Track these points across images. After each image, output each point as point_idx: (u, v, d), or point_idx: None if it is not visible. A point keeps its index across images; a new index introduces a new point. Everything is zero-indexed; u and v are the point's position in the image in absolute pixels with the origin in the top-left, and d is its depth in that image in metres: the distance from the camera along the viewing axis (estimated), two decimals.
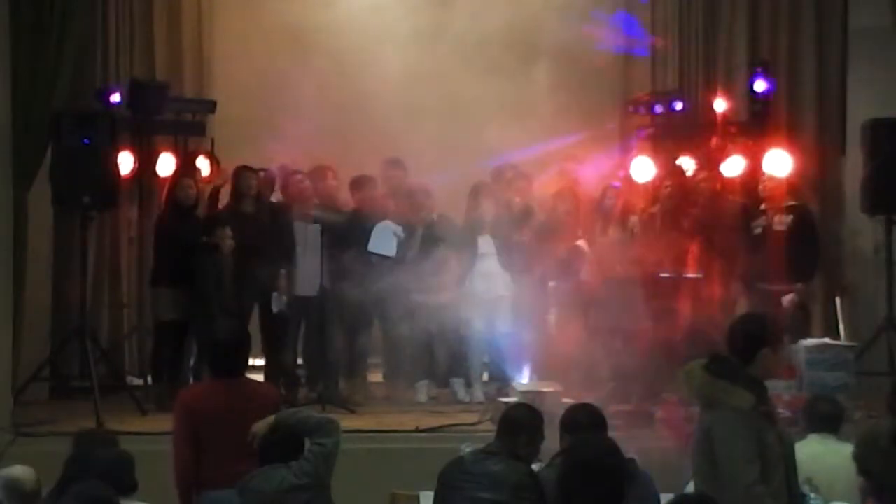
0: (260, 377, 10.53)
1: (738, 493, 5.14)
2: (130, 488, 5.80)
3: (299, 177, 10.43)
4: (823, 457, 6.50)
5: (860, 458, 5.77)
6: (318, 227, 10.04)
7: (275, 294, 10.06)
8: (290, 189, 10.49)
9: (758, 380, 5.35)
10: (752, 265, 10.24)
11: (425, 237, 10.22)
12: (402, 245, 10.19)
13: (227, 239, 9.99)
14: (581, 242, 10.34)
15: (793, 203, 10.46)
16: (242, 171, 10.43)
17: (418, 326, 10.17)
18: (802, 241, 10.29)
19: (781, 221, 10.32)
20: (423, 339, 10.34)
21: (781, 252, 10.16)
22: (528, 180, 10.79)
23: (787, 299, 10.16)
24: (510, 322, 10.12)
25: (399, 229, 10.23)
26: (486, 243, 10.31)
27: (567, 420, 6.10)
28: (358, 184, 10.58)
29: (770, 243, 10.25)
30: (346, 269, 10.05)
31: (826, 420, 6.94)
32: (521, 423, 6.09)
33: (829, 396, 7.79)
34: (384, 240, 10.17)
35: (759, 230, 10.37)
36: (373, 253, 10.11)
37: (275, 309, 10.09)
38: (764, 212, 10.40)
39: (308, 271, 9.98)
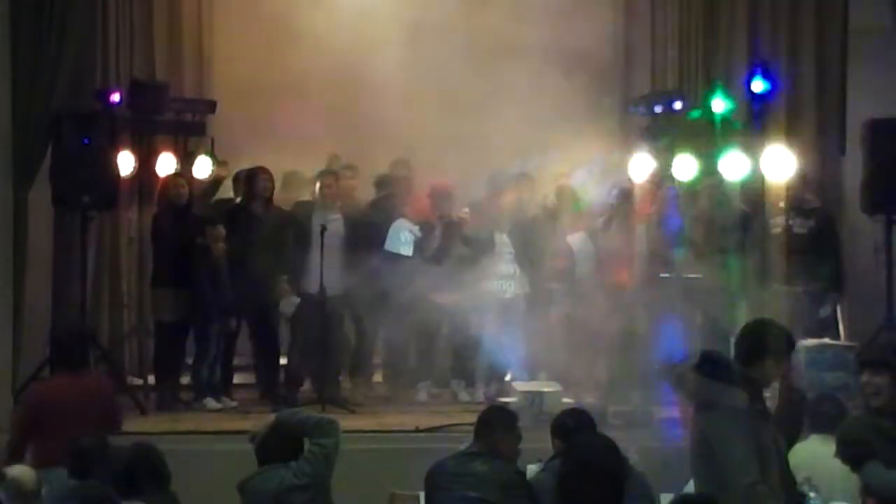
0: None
1: (739, 493, 5.14)
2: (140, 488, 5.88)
3: (328, 179, 10.41)
4: (825, 457, 6.49)
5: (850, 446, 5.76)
6: (340, 227, 10.07)
7: (283, 299, 10.08)
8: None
9: (753, 379, 5.35)
10: (768, 265, 10.27)
11: (443, 237, 10.21)
12: (418, 244, 10.19)
13: (219, 240, 9.98)
14: (576, 237, 10.33)
15: (815, 206, 10.49)
16: (258, 173, 10.40)
17: (422, 326, 10.17)
18: (826, 246, 10.33)
19: (803, 224, 10.33)
20: (426, 339, 10.35)
21: (800, 255, 10.18)
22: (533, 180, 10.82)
23: (824, 310, 10.20)
24: (521, 322, 10.12)
25: (416, 228, 10.24)
26: (502, 243, 10.30)
27: (556, 425, 6.15)
28: (380, 184, 10.57)
29: (789, 245, 10.27)
30: (360, 269, 10.06)
31: (829, 420, 6.92)
32: (493, 420, 6.27)
33: (833, 396, 7.78)
34: (400, 239, 10.18)
35: (777, 230, 10.40)
36: (389, 252, 10.12)
37: (287, 311, 10.10)
38: (783, 211, 10.43)
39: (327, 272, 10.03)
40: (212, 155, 11.30)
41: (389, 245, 10.19)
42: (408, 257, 10.14)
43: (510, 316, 10.16)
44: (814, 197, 10.60)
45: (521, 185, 10.69)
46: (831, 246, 10.44)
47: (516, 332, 9.99)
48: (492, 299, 10.15)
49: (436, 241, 10.21)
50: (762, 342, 5.42)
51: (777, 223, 10.48)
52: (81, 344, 8.17)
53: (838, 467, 6.14)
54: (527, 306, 10.25)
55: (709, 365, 5.35)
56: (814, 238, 10.30)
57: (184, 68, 11.91)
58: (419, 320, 10.05)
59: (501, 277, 10.24)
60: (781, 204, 10.51)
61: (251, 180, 10.41)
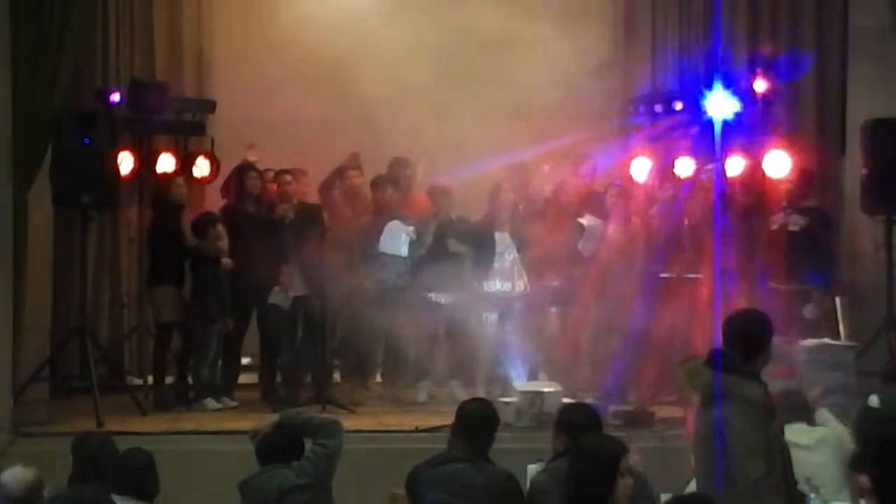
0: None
1: (746, 486, 5.13)
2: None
3: (288, 177, 10.41)
4: (801, 447, 6.50)
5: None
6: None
7: (276, 289, 10.05)
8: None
9: (759, 375, 5.35)
10: (761, 262, 10.27)
11: (440, 237, 10.19)
12: (413, 245, 10.18)
13: (220, 238, 9.99)
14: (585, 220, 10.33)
15: (810, 205, 10.49)
16: (247, 171, 10.40)
17: (422, 326, 10.16)
18: (816, 245, 10.33)
19: (796, 222, 10.33)
20: (425, 339, 10.34)
21: (792, 252, 10.19)
22: (530, 177, 10.81)
23: (808, 310, 10.18)
24: (522, 320, 10.10)
25: (410, 229, 10.23)
26: (503, 241, 10.29)
27: (563, 420, 6.09)
28: (375, 184, 10.56)
29: (782, 242, 10.28)
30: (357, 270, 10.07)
31: (801, 410, 6.95)
32: (476, 416, 6.03)
33: (796, 390, 7.72)
34: (395, 240, 10.18)
35: (775, 226, 10.40)
36: (385, 253, 10.12)
37: (280, 304, 10.08)
38: (783, 209, 10.42)
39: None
40: (212, 155, 11.32)
41: (385, 246, 10.17)
42: (403, 258, 10.14)
43: (512, 315, 10.15)
44: (810, 196, 10.61)
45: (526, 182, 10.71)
46: (824, 246, 10.44)
47: (518, 331, 9.99)
48: (493, 299, 10.13)
49: (430, 238, 10.20)
50: (756, 335, 5.39)
51: (775, 220, 10.49)
52: None
53: (839, 467, 6.16)
54: (527, 305, 10.23)
55: (723, 359, 5.32)
56: (806, 237, 10.30)
57: (184, 68, 11.92)
58: (418, 320, 10.04)
59: (503, 275, 10.22)
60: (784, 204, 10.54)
61: (240, 179, 10.40)
